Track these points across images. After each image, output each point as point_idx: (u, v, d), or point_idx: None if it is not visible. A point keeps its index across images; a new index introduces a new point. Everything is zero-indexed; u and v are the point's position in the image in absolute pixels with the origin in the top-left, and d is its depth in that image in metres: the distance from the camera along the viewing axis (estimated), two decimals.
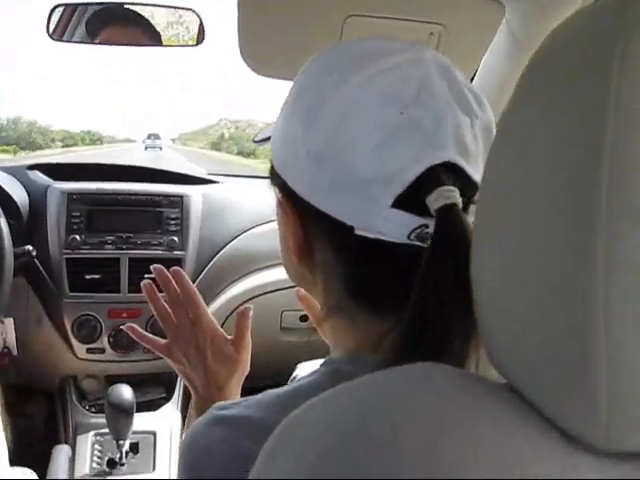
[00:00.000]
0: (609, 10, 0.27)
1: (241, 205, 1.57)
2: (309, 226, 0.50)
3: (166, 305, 0.70)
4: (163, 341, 0.70)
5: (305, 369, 1.12)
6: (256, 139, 0.63)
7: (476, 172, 0.45)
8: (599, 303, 0.25)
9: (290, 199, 0.50)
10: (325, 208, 0.46)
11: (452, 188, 0.43)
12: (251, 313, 0.71)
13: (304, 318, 1.54)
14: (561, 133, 0.27)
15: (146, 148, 46.66)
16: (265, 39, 1.02)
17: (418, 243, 0.44)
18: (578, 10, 0.30)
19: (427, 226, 0.44)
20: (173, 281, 0.70)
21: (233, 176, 1.85)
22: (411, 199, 0.43)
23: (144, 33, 1.35)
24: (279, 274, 1.47)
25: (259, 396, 0.49)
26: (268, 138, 0.56)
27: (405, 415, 0.30)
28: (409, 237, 0.44)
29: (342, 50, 0.51)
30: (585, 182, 0.26)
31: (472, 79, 1.14)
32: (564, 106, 0.28)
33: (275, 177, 0.52)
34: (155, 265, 0.71)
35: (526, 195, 0.29)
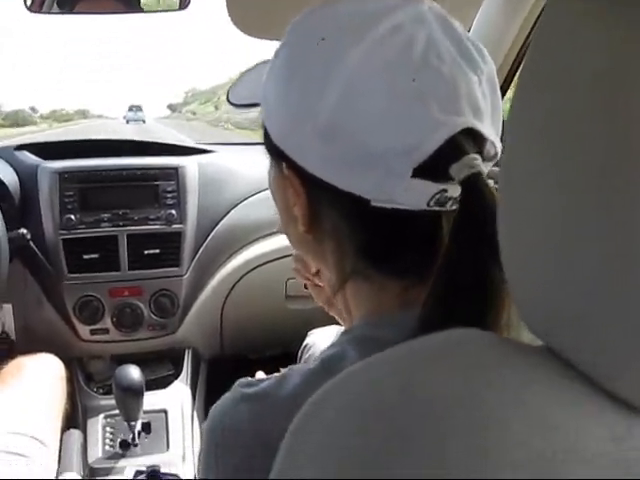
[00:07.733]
0: None
1: (238, 173, 1.53)
2: (317, 197, 0.47)
3: None
4: None
5: (317, 336, 1.09)
6: (236, 101, 0.60)
7: (489, 129, 0.44)
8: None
9: (295, 172, 0.47)
10: (337, 183, 0.44)
11: (475, 156, 0.42)
12: None
13: None
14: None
15: (127, 122, 43.17)
16: None
17: (437, 208, 0.44)
18: None
19: (446, 190, 0.43)
20: None
21: (226, 144, 1.80)
22: (431, 167, 0.42)
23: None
24: (281, 242, 1.44)
25: (284, 373, 0.47)
26: (253, 104, 0.54)
27: (448, 381, 0.29)
28: (428, 204, 0.43)
29: (332, 12, 0.46)
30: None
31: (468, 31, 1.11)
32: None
33: (274, 149, 0.48)
34: None
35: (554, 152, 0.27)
